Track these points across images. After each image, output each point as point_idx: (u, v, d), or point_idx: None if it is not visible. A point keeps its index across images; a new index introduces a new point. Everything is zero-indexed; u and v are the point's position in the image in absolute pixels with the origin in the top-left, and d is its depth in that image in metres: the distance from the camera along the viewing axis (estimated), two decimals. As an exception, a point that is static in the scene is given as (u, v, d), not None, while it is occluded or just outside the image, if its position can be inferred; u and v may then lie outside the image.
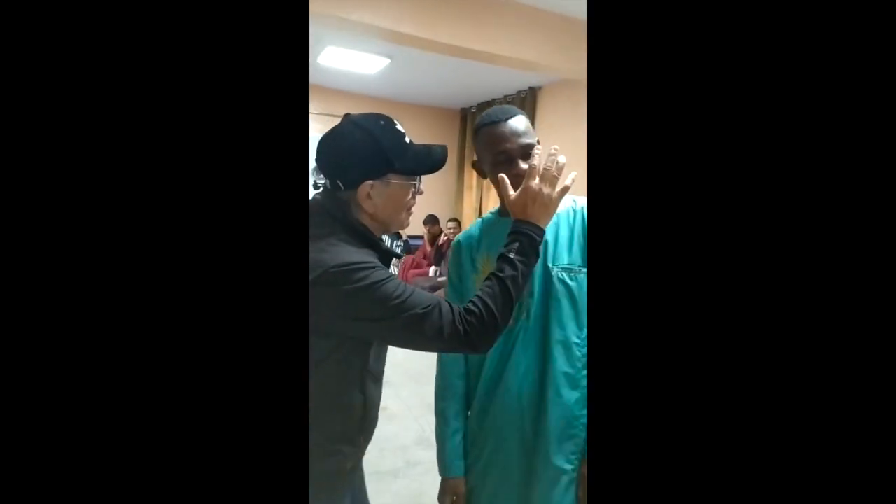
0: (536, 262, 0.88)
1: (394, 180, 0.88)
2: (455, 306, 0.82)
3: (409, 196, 0.93)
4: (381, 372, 0.97)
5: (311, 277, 0.77)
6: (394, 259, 0.99)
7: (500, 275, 0.83)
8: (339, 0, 2.35)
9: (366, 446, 0.99)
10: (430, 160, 0.92)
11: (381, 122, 0.89)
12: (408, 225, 1.00)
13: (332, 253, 0.81)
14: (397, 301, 0.79)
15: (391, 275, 0.84)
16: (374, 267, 0.81)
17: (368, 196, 0.87)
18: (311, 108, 5.46)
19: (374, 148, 0.86)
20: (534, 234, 0.86)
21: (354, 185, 0.86)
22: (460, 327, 0.79)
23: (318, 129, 5.29)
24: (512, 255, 0.84)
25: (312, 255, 0.78)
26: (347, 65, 4.57)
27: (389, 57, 4.28)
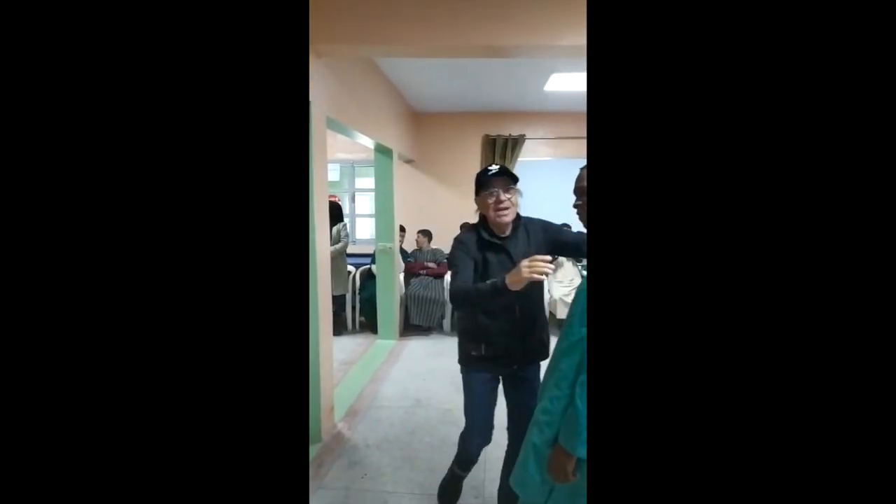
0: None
1: (481, 194, 1.76)
2: (462, 279, 1.66)
3: (492, 201, 1.72)
4: (494, 311, 1.75)
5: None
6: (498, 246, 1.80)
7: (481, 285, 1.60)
8: (558, 30, 2.55)
9: (485, 354, 1.79)
10: (485, 179, 1.75)
11: (481, 171, 1.80)
12: (504, 222, 1.74)
13: (462, 231, 1.90)
14: (451, 264, 1.76)
15: (460, 249, 1.75)
16: (460, 242, 1.78)
17: (477, 204, 1.81)
18: (543, 133, 5.83)
19: (476, 182, 1.79)
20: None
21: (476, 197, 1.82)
22: (450, 290, 1.66)
23: (547, 153, 5.53)
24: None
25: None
26: (573, 87, 4.74)
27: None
